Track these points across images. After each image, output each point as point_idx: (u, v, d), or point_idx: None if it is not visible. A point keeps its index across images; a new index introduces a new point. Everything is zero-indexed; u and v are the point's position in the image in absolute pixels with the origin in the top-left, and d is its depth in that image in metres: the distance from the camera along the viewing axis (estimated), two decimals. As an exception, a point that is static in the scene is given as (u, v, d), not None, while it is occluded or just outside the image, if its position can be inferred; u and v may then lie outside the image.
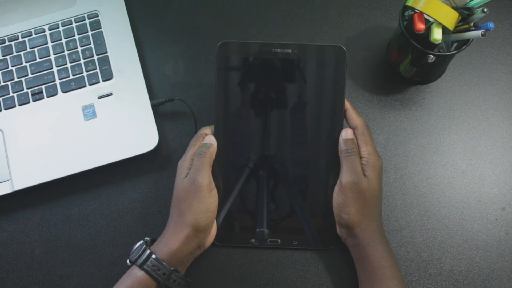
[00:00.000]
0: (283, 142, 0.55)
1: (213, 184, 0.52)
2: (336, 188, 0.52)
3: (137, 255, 0.50)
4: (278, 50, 0.54)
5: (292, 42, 0.54)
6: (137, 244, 0.51)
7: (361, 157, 0.52)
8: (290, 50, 0.54)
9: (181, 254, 0.50)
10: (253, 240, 0.55)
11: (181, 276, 0.51)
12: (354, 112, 0.54)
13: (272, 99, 0.55)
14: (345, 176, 0.51)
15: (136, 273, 0.49)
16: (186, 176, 0.51)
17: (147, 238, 0.53)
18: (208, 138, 0.54)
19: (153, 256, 0.49)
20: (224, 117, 0.55)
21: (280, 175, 0.55)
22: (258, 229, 0.55)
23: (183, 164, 0.53)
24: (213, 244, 0.55)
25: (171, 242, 0.50)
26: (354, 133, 0.53)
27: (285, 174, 0.55)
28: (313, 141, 0.55)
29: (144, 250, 0.50)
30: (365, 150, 0.52)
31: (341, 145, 0.53)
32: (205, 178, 0.51)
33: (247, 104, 0.55)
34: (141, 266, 0.49)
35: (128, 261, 0.51)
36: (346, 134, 0.53)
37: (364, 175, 0.51)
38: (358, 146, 0.52)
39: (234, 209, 0.55)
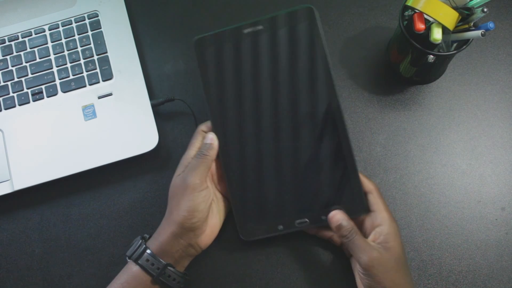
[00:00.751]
0: (282, 120, 0.54)
1: (205, 185, 0.51)
2: (359, 272, 0.49)
3: (133, 250, 0.50)
4: (250, 30, 0.53)
5: (260, 17, 0.53)
6: (135, 240, 0.52)
7: (379, 225, 0.49)
8: (261, 27, 0.54)
9: (170, 250, 0.50)
10: (281, 226, 0.53)
11: (177, 271, 0.50)
12: (365, 177, 0.52)
13: (259, 81, 0.54)
14: (362, 257, 0.47)
15: (131, 268, 0.50)
16: (180, 174, 0.52)
17: (145, 235, 0.53)
18: (209, 138, 0.53)
19: (148, 251, 0.50)
20: (218, 111, 0.54)
21: (291, 154, 0.53)
22: (283, 214, 0.53)
23: (183, 162, 0.53)
24: (240, 241, 0.54)
25: (161, 237, 0.50)
26: (369, 197, 0.51)
27: (296, 151, 0.53)
28: (311, 109, 0.53)
29: (140, 245, 0.50)
30: (383, 217, 0.49)
31: (338, 232, 0.49)
32: (197, 178, 0.50)
33: (236, 92, 0.54)
34: (136, 261, 0.50)
35: (127, 257, 0.51)
36: (336, 219, 0.49)
37: (387, 246, 0.48)
38: (374, 211, 0.50)
39: (253, 201, 0.54)
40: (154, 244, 0.50)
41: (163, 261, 0.49)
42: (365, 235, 0.51)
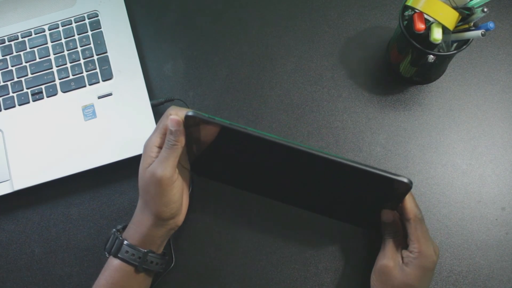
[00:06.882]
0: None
1: (176, 175, 0.50)
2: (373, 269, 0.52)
3: (111, 244, 0.51)
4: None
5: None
6: (110, 233, 0.52)
7: (410, 251, 0.48)
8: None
9: (152, 238, 0.51)
10: None
11: (157, 255, 0.51)
12: (413, 202, 0.49)
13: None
14: (379, 258, 0.51)
15: (113, 263, 0.50)
16: (148, 167, 0.50)
17: (119, 226, 0.53)
18: (173, 123, 0.48)
19: (125, 242, 0.50)
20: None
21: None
22: None
23: (146, 150, 0.51)
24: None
25: (141, 228, 0.50)
26: (407, 224, 0.49)
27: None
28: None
29: (117, 238, 0.50)
30: (416, 248, 0.48)
31: (382, 227, 0.51)
32: (167, 171, 0.48)
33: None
34: (116, 255, 0.50)
35: (106, 253, 0.51)
36: (387, 217, 0.50)
37: (405, 267, 0.48)
38: (410, 240, 0.49)
39: None
40: (135, 236, 0.50)
41: (142, 250, 0.50)
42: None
